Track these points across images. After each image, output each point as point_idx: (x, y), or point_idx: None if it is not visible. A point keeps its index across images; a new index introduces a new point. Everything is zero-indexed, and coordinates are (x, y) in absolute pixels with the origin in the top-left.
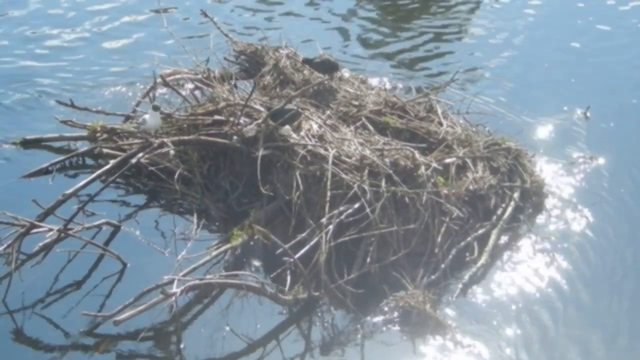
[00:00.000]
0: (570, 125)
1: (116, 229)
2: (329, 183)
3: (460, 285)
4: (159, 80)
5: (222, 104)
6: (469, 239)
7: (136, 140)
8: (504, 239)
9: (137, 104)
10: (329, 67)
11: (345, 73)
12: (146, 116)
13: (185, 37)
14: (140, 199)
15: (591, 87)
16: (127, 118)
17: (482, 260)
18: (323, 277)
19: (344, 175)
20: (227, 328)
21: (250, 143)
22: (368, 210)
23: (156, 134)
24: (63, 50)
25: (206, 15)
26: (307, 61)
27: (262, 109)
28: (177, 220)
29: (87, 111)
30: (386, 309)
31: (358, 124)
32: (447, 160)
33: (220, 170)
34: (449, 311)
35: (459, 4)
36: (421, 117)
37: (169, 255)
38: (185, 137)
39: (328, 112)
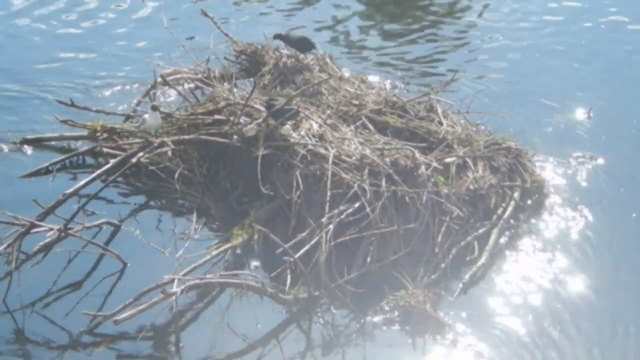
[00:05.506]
0: (570, 125)
1: (116, 228)
2: (329, 182)
3: (460, 285)
4: (159, 79)
5: (222, 103)
6: (469, 238)
7: (136, 140)
8: (504, 238)
9: (137, 104)
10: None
11: (346, 72)
12: (146, 116)
13: (185, 37)
14: (141, 199)
15: (594, 88)
16: (127, 117)
17: (483, 259)
18: (323, 277)
19: (344, 175)
20: (227, 327)
21: (250, 142)
22: (368, 209)
23: (156, 133)
24: (63, 50)
25: (206, 15)
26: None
27: (262, 108)
28: (177, 220)
29: (87, 110)
30: (386, 308)
31: (358, 123)
32: (448, 160)
33: (220, 169)
34: (450, 311)
35: (460, 3)
36: (421, 117)
37: (169, 254)
38: (186, 137)
39: (328, 111)
